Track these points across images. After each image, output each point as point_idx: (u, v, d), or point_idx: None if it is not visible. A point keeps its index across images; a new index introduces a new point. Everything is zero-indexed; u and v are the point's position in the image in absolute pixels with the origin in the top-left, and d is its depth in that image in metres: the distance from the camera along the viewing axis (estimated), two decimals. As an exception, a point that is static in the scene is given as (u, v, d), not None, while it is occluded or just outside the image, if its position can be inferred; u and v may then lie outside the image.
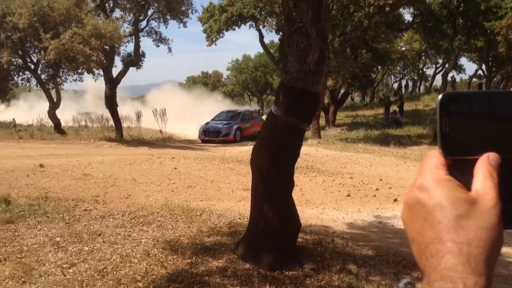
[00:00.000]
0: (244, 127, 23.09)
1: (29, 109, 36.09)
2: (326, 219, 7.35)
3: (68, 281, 4.14)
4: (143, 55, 20.82)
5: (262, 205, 4.72)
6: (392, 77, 51.36)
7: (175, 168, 10.96)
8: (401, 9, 23.71)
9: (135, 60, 20.31)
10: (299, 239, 5.24)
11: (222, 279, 4.22)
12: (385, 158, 14.06)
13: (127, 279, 4.18)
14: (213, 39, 27.23)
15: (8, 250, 4.84)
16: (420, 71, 47.31)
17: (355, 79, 24.50)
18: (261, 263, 4.54)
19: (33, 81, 20.24)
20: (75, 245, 5.07)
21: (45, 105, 22.26)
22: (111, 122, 21.79)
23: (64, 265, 4.49)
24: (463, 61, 51.38)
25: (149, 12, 21.04)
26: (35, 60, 19.42)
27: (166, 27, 43.96)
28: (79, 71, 19.20)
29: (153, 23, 21.79)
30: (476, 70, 38.23)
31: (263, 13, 26.71)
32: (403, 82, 47.88)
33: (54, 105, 20.37)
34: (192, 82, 56.74)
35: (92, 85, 27.11)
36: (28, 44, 18.58)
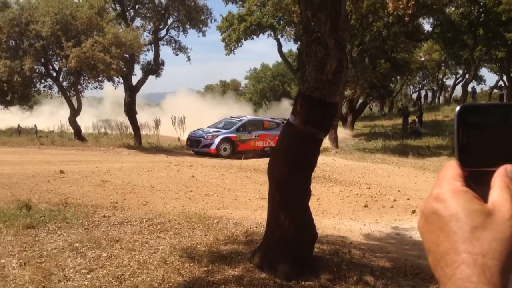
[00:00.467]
0: (239, 138, 18.20)
1: (50, 115, 36.71)
2: (343, 230, 7.30)
3: (86, 286, 4.19)
4: (163, 63, 21.02)
5: (278, 214, 4.72)
6: (411, 87, 50.88)
7: (193, 176, 11.02)
8: (420, 19, 23.60)
9: (154, 68, 20.52)
10: (316, 249, 5.21)
11: (238, 288, 4.22)
12: (403, 168, 13.89)
13: (144, 286, 4.21)
14: (232, 48, 27.30)
15: (29, 255, 4.92)
16: (440, 82, 46.80)
17: (373, 89, 24.42)
18: (277, 272, 4.53)
19: (55, 88, 20.62)
20: (93, 251, 5.13)
21: (66, 111, 22.63)
22: (130, 130, 22.07)
23: (83, 271, 4.55)
24: (484, 71, 50.62)
25: (169, 21, 21.32)
26: (57, 68, 19.77)
27: (186, 36, 44.53)
28: (100, 79, 19.50)
29: (173, 32, 22.00)
30: (497, 81, 37.81)
31: (281, 22, 26.84)
32: (423, 93, 47.49)
33: (75, 112, 20.71)
34: (211, 91, 57.14)
35: (110, 91, 27.19)
36: (51, 52, 18.90)
